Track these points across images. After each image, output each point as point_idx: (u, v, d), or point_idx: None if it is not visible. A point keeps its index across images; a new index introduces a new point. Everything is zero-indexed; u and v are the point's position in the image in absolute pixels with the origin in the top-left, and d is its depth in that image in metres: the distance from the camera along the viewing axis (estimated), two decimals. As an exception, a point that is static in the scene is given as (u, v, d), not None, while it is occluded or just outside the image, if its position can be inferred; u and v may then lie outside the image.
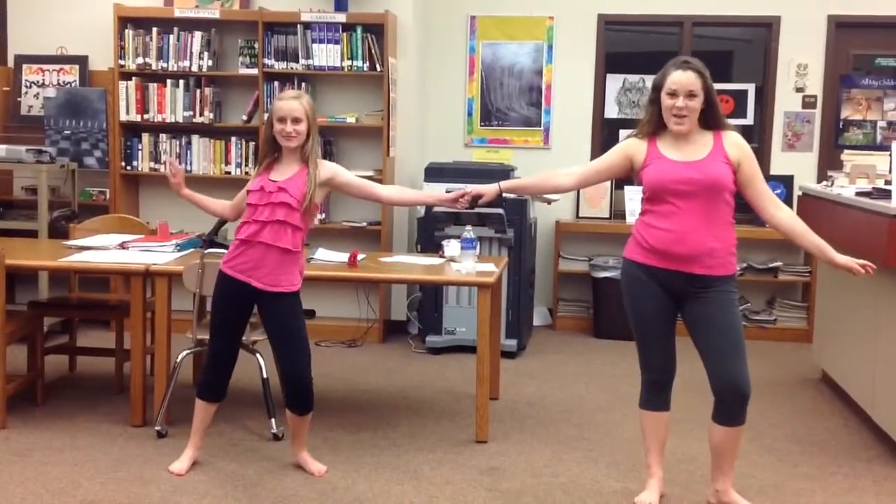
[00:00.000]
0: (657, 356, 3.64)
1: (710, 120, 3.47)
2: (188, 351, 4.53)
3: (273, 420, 4.37)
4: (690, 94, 3.39)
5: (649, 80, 6.94)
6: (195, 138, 6.54)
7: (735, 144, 3.47)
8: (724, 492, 3.67)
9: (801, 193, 5.73)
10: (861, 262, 3.51)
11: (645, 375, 3.71)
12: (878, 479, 4.05)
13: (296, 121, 3.75)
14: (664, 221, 3.45)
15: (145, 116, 6.51)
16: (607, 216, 6.94)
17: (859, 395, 4.77)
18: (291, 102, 3.78)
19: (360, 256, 4.64)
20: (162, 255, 4.62)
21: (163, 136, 6.55)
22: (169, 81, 6.48)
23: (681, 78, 3.39)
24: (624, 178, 4.06)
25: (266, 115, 5.57)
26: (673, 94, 3.40)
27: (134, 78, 6.49)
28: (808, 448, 4.44)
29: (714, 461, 3.67)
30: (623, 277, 3.65)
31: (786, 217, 3.54)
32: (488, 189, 3.83)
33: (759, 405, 5.12)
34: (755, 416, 4.93)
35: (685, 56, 3.64)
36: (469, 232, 4.52)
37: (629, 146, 3.59)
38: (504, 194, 3.85)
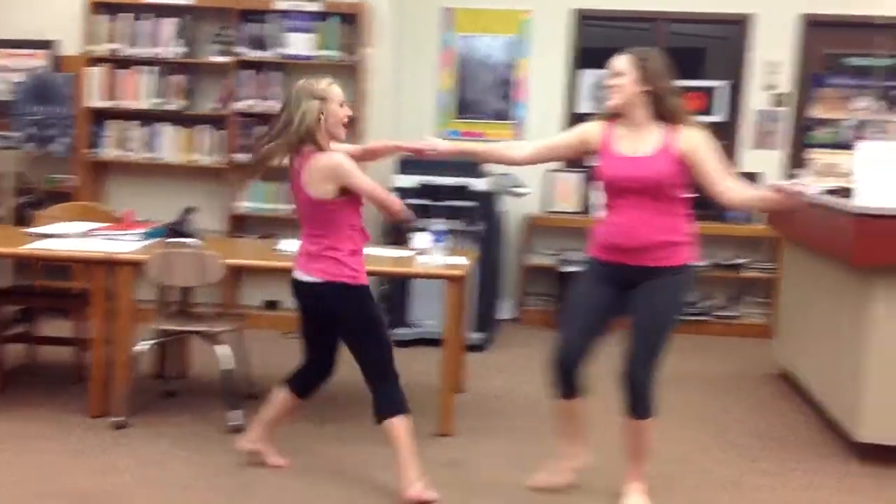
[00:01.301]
0: (565, 333, 3.65)
1: (661, 113, 3.50)
2: (150, 341, 4.49)
3: (234, 412, 4.35)
4: (617, 74, 3.48)
5: (622, 75, 7.07)
6: (164, 126, 6.49)
7: (687, 137, 3.47)
8: (625, 484, 3.68)
9: (769, 191, 5.76)
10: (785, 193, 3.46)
11: (550, 354, 3.68)
12: (836, 475, 4.10)
13: None
14: (613, 216, 3.53)
15: (113, 103, 6.44)
16: (578, 210, 6.95)
17: (819, 391, 4.81)
18: None
19: (326, 248, 4.62)
20: (126, 244, 4.58)
21: (131, 124, 6.49)
22: (140, 68, 6.42)
23: (614, 61, 3.51)
24: (578, 158, 4.12)
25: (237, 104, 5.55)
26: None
27: (104, 63, 6.42)
28: (767, 443, 4.48)
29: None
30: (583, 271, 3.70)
31: (735, 194, 3.50)
32: (442, 145, 3.92)
33: (720, 400, 5.18)
34: (717, 411, 4.99)
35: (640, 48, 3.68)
36: (440, 224, 4.52)
37: (585, 130, 3.66)
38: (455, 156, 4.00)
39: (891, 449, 4.16)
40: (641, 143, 3.47)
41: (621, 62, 3.49)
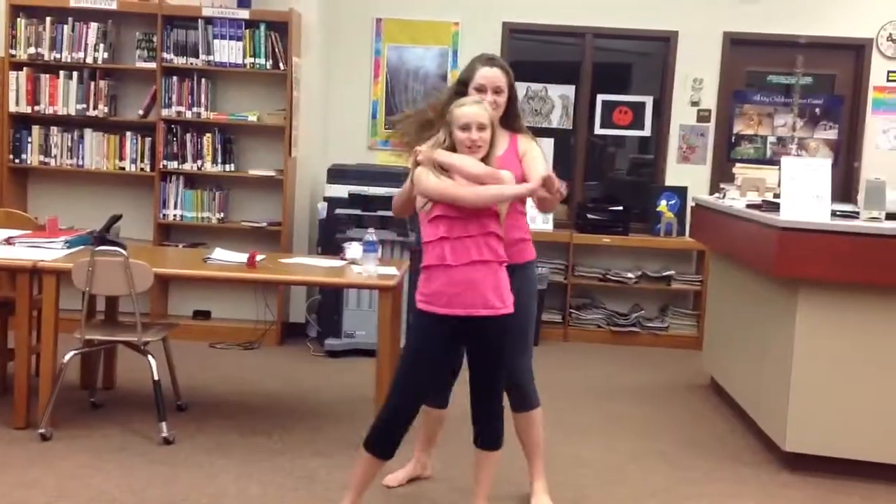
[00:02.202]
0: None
1: (508, 119, 3.54)
2: (75, 351, 4.37)
3: (164, 423, 4.25)
4: (498, 90, 3.47)
5: (552, 88, 7.19)
6: (88, 132, 6.34)
7: (525, 140, 3.54)
8: (532, 483, 3.81)
9: (694, 204, 5.88)
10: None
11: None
12: (763, 484, 4.18)
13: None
14: None
15: (36, 108, 6.27)
16: (508, 222, 6.98)
17: (746, 401, 4.91)
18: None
19: (259, 257, 4.57)
20: (50, 252, 4.46)
21: (54, 129, 6.34)
22: (62, 73, 6.27)
23: (489, 73, 3.49)
24: None
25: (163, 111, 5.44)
26: (481, 89, 3.47)
27: (25, 68, 6.25)
28: (696, 453, 4.55)
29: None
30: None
31: None
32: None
33: (650, 410, 5.25)
34: (646, 422, 5.06)
35: (490, 53, 3.71)
36: (371, 235, 4.50)
37: None
38: None
39: (817, 458, 4.27)
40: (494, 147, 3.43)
41: (501, 79, 3.48)
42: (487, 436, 3.41)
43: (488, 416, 3.39)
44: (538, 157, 3.52)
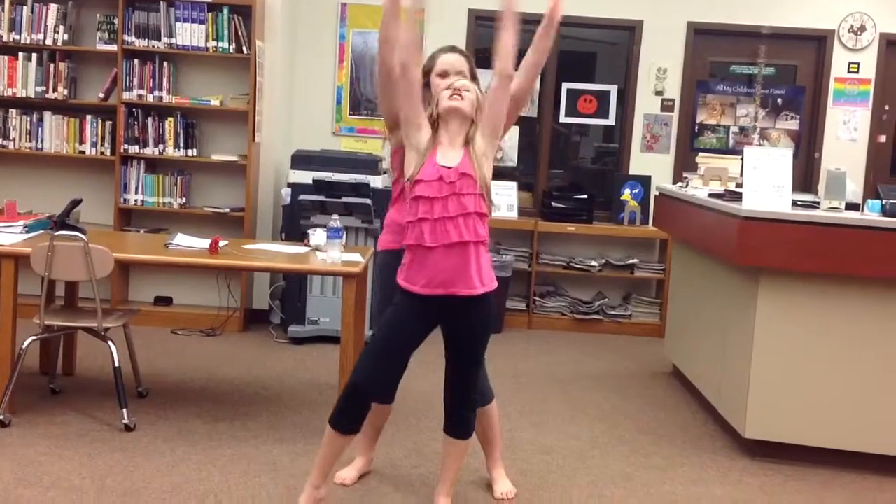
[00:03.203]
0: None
1: None
2: (34, 337, 4.30)
3: (125, 410, 4.21)
4: (461, 75, 3.48)
5: (517, 76, 7.16)
6: (47, 115, 6.25)
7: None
8: (491, 471, 3.82)
9: (657, 193, 5.92)
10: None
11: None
12: (722, 470, 4.22)
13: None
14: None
15: (-6, 90, 6.18)
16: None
17: (707, 389, 4.96)
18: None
19: (221, 243, 4.53)
20: (9, 236, 4.39)
21: (12, 112, 6.23)
22: (21, 54, 6.16)
23: (451, 58, 3.52)
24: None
25: (124, 94, 5.35)
26: (443, 74, 3.48)
27: (-18, 49, 6.15)
28: (658, 440, 4.59)
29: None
30: None
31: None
32: None
33: (613, 397, 5.29)
34: (609, 409, 5.09)
35: (452, 45, 3.71)
36: (335, 221, 4.47)
37: None
38: None
39: (777, 445, 4.32)
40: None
41: (464, 64, 3.52)
42: (457, 424, 3.41)
43: (462, 403, 3.39)
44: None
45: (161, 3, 6.13)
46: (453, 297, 3.20)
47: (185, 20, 6.15)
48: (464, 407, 3.40)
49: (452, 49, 3.58)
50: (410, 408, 4.79)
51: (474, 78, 3.54)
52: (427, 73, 3.49)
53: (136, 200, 6.30)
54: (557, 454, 4.27)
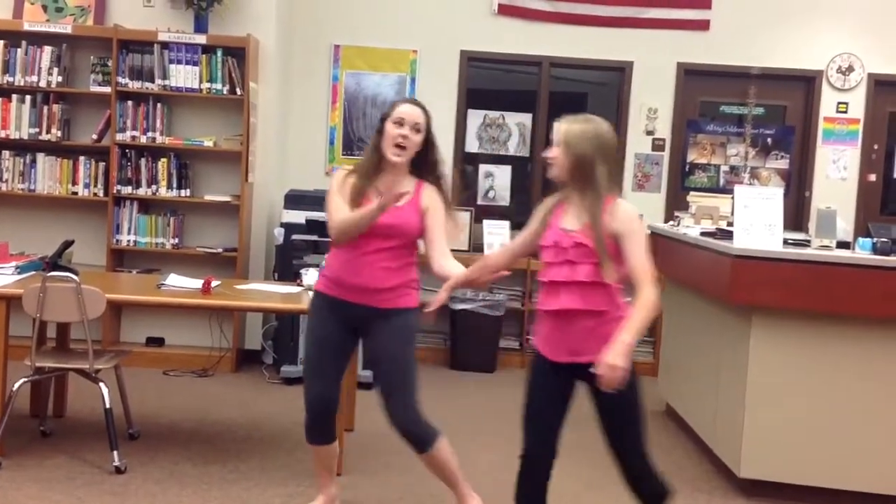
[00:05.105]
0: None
1: (423, 164, 3.54)
2: (25, 379, 4.28)
3: (115, 452, 4.17)
4: (416, 127, 3.47)
5: (510, 116, 7.24)
6: (40, 156, 6.26)
7: (429, 194, 3.52)
8: None
9: (649, 232, 5.93)
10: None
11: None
12: (717, 510, 4.20)
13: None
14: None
15: (-13, 131, 6.19)
16: (466, 249, 7.00)
17: (701, 428, 4.95)
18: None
19: (214, 283, 4.52)
20: (0, 278, 4.38)
21: (5, 153, 6.24)
22: (15, 96, 6.19)
23: (409, 109, 3.50)
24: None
25: (118, 135, 5.36)
26: (399, 123, 3.47)
27: (-24, 91, 6.18)
28: (653, 479, 4.55)
29: None
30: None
31: (445, 265, 3.47)
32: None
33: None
34: (602, 449, 5.04)
35: (413, 97, 3.74)
36: (327, 261, 4.47)
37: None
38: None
39: (772, 484, 4.31)
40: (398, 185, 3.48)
41: (421, 118, 3.49)
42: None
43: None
44: (440, 218, 3.50)
45: (155, 45, 6.18)
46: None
47: (179, 62, 6.19)
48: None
49: (414, 101, 3.59)
50: (405, 448, 4.77)
51: (430, 132, 3.53)
52: (384, 119, 3.51)
53: (128, 241, 6.30)
54: (552, 494, 4.21)
